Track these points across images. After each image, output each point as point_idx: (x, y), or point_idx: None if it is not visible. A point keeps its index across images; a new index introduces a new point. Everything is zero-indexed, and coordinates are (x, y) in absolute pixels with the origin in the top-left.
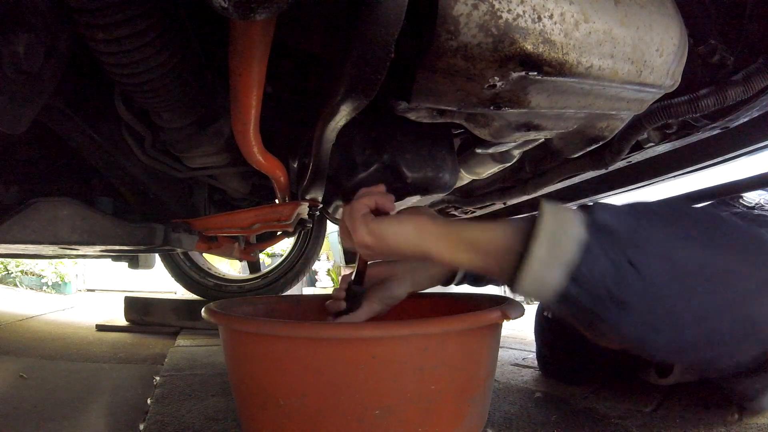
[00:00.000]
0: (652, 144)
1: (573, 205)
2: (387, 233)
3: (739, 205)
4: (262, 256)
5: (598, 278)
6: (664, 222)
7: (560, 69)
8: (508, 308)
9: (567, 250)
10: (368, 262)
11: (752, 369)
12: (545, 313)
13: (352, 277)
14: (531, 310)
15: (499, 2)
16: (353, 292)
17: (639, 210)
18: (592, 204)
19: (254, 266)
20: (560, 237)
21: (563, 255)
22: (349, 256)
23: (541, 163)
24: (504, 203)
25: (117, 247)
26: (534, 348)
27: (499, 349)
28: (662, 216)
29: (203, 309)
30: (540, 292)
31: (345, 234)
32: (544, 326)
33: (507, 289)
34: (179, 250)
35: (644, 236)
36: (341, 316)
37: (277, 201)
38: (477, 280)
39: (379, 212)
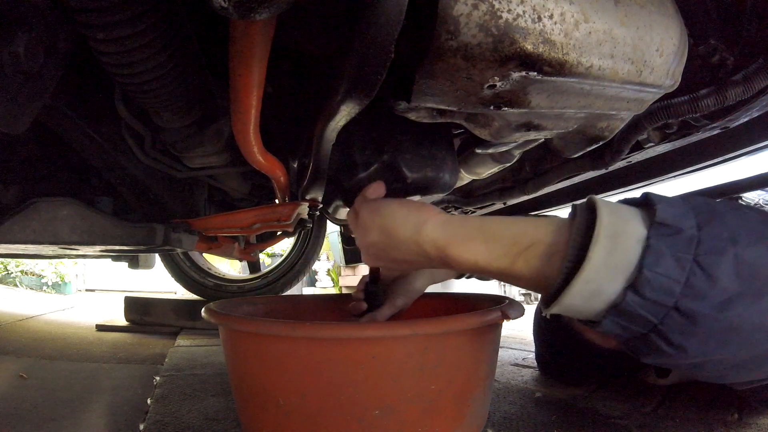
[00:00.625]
0: (652, 144)
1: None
2: (386, 211)
3: None
4: (262, 256)
5: (663, 285)
6: (727, 218)
7: (560, 69)
8: (507, 308)
9: (628, 252)
10: None
11: None
12: (543, 314)
13: (368, 278)
14: (530, 309)
15: (499, 2)
16: (371, 292)
17: (697, 204)
18: (646, 197)
19: (254, 266)
20: (621, 236)
21: (624, 258)
22: (349, 256)
23: (541, 163)
24: (504, 203)
25: (117, 247)
26: (534, 348)
27: (499, 349)
28: (723, 212)
29: (203, 309)
30: (587, 305)
31: (352, 227)
32: (543, 327)
33: (534, 299)
34: (179, 250)
35: (712, 234)
36: (364, 315)
37: (277, 201)
38: None
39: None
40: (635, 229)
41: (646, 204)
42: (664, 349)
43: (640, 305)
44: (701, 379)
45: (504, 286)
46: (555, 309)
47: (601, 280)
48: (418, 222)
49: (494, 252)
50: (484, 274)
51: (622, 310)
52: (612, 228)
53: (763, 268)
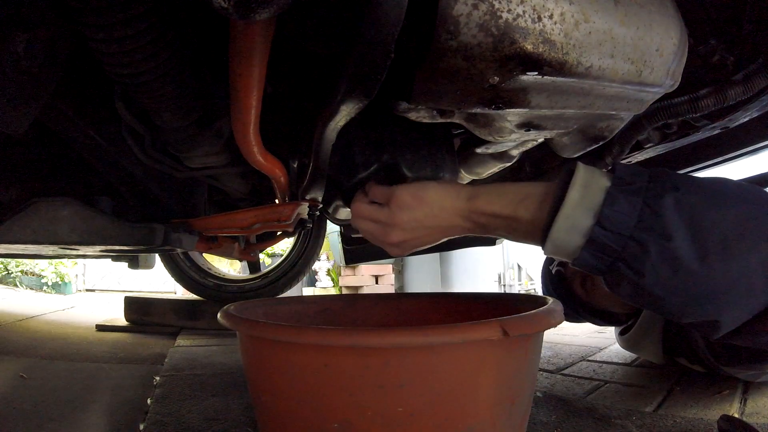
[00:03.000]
0: (652, 144)
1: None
2: (428, 192)
3: None
4: (262, 256)
5: (619, 219)
6: (677, 177)
7: (560, 69)
8: (508, 323)
9: (594, 196)
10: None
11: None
12: (550, 267)
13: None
14: None
15: (499, 2)
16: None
17: (656, 171)
18: (614, 163)
19: (254, 266)
20: (590, 185)
21: (592, 200)
22: (350, 256)
23: (541, 163)
24: None
25: (117, 247)
26: None
27: None
28: (676, 174)
29: (219, 313)
30: (569, 240)
31: (364, 223)
32: (547, 271)
33: (534, 246)
34: (179, 250)
35: (657, 184)
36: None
37: (277, 201)
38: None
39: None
40: (602, 180)
41: (613, 168)
42: (627, 274)
43: (605, 236)
44: (663, 315)
45: (504, 286)
46: (548, 246)
47: (576, 217)
48: (459, 193)
49: (503, 201)
50: (499, 221)
51: (593, 241)
52: (584, 179)
53: (698, 208)
